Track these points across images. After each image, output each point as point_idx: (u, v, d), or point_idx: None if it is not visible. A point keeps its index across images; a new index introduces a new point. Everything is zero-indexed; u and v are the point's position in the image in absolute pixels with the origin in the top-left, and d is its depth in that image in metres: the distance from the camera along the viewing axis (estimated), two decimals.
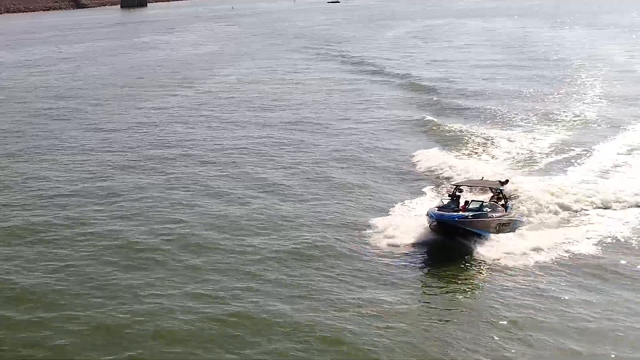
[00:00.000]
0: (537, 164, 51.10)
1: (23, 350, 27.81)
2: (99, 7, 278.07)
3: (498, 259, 34.80)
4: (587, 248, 35.74)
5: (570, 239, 36.75)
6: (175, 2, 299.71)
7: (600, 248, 35.85)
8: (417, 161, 52.34)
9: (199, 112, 71.71)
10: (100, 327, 29.27)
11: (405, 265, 34.56)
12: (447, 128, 61.20)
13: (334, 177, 48.90)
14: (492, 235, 36.59)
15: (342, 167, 51.22)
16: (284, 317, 29.21)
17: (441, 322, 28.96)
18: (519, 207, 41.45)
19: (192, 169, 51.52)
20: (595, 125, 61.03)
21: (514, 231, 38.00)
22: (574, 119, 63.14)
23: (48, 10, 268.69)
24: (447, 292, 32.10)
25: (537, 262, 34.45)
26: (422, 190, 45.82)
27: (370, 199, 44.51)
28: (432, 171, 49.85)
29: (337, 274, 33.40)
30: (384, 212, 41.72)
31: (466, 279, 33.40)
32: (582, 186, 44.07)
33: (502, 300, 30.80)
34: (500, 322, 28.81)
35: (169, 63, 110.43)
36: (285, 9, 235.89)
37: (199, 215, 42.01)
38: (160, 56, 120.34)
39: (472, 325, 28.69)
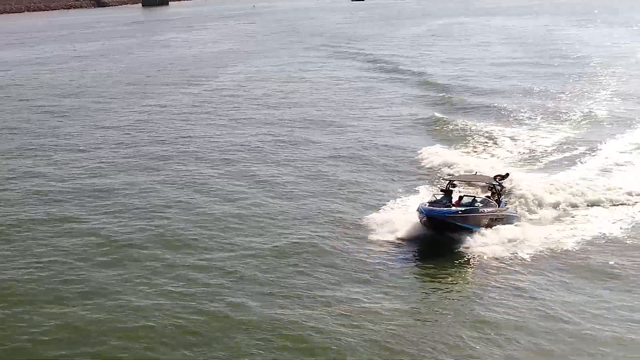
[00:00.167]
0: (540, 161, 50.80)
1: None
2: (120, 6, 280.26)
3: (483, 256, 34.52)
4: (575, 246, 35.33)
5: (560, 236, 36.48)
6: (197, 0, 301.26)
7: (589, 246, 35.38)
8: (420, 158, 51.98)
9: (202, 109, 71.76)
10: (68, 324, 29.14)
11: (386, 262, 34.20)
12: (454, 125, 60.84)
13: (331, 175, 48.64)
14: (483, 231, 36.45)
15: (342, 165, 50.94)
16: (250, 315, 28.96)
17: (411, 321, 28.48)
18: (515, 202, 41.32)
19: (188, 166, 51.45)
20: (605, 123, 60.33)
21: (508, 226, 37.75)
22: (585, 117, 62.45)
23: (69, 8, 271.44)
24: (422, 290, 31.73)
25: (522, 259, 34.11)
26: (420, 186, 45.38)
27: (364, 196, 44.17)
28: (433, 168, 49.52)
29: (313, 271, 33.09)
30: (377, 208, 41.38)
31: (445, 277, 33.02)
32: (581, 183, 43.67)
33: (478, 299, 30.45)
34: (472, 321, 28.38)
35: (181, 61, 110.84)
36: (308, 7, 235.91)
37: (186, 212, 41.91)
38: (173, 54, 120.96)
39: (442, 324, 28.31)
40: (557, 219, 39.65)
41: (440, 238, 36.05)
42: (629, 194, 41.99)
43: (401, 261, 34.59)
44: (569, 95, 72.26)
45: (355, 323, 28.13)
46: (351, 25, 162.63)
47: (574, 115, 63.14)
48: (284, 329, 27.82)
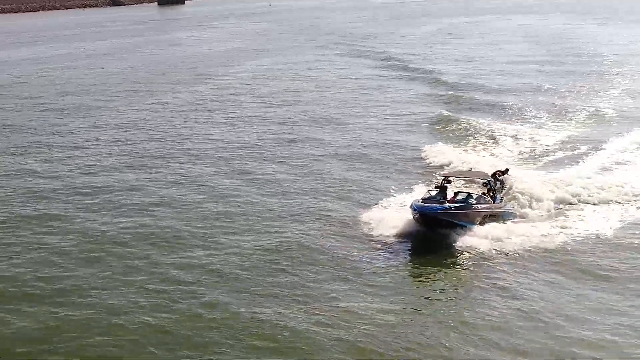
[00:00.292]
0: (542, 158, 50.48)
1: None
2: (136, 5, 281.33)
3: (471, 253, 34.32)
4: (566, 244, 35.00)
5: (552, 234, 36.22)
6: None
7: (579, 245, 34.99)
8: (421, 156, 51.67)
9: (204, 107, 71.60)
10: (39, 322, 29.04)
11: (370, 261, 33.86)
12: (460, 124, 60.48)
13: (327, 173, 48.37)
14: (476, 228, 36.26)
15: (339, 163, 50.64)
16: (223, 314, 28.76)
17: (387, 321, 27.98)
18: (513, 198, 41.10)
19: (182, 164, 51.29)
20: (612, 121, 59.80)
21: (503, 223, 37.69)
22: (591, 115, 61.94)
23: (84, 7, 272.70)
24: (403, 289, 31.19)
25: (510, 256, 33.88)
26: (417, 184, 44.97)
27: (359, 194, 43.85)
28: (434, 166, 49.17)
29: (295, 269, 32.81)
30: (371, 206, 41.15)
31: (428, 275, 32.72)
32: (579, 181, 43.31)
33: (459, 298, 30.24)
34: (450, 321, 28.05)
35: (189, 59, 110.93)
36: (324, 6, 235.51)
37: (175, 210, 41.76)
38: (183, 52, 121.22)
39: (418, 324, 27.91)
40: (552, 216, 39.28)
41: (431, 235, 35.79)
42: (626, 193, 41.56)
43: (385, 259, 34.20)
44: (578, 93, 71.60)
45: (329, 322, 27.80)
46: (367, 23, 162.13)
47: (581, 113, 62.60)
48: (256, 327, 27.56)
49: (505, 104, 67.66)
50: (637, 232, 36.42)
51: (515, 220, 38.74)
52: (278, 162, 51.27)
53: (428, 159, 50.99)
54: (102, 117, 68.26)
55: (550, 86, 75.17)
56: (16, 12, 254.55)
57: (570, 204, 40.77)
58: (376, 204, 41.67)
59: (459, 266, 33.65)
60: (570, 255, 33.90)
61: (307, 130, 60.44)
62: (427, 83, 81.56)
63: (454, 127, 59.98)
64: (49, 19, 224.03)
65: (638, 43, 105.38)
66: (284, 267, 33.19)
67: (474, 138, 56.60)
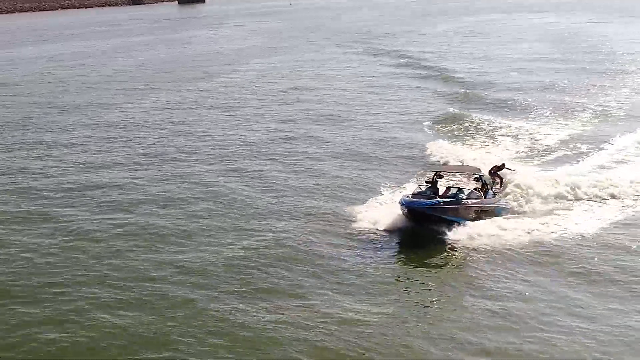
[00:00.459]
0: (545, 155, 50.35)
1: None
2: (156, 3, 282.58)
3: (457, 249, 34.28)
4: (553, 242, 34.70)
5: (541, 231, 35.89)
6: None
7: (566, 244, 34.61)
8: (423, 154, 51.34)
9: (205, 106, 71.24)
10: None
11: (347, 258, 33.49)
12: (468, 121, 60.14)
13: (322, 170, 48.02)
14: (468, 223, 36.10)
15: (336, 160, 50.22)
16: (185, 310, 28.58)
17: (350, 320, 27.55)
18: (508, 194, 41.13)
19: (175, 162, 50.89)
20: (619, 120, 59.40)
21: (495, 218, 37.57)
22: (599, 113, 61.63)
23: (103, 6, 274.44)
24: (373, 287, 30.64)
25: (494, 253, 33.64)
26: (414, 180, 44.60)
27: (351, 191, 43.50)
28: (432, 162, 48.90)
29: (268, 267, 32.46)
30: (361, 202, 40.90)
31: (404, 274, 32.49)
32: (576, 178, 43.04)
33: (433, 297, 30.11)
34: (417, 320, 27.67)
35: (197, 58, 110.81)
36: (345, 5, 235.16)
37: (161, 207, 41.41)
38: (193, 51, 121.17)
39: (382, 324, 27.36)
40: (547, 213, 38.98)
41: (419, 231, 35.72)
42: (623, 192, 41.20)
43: (362, 257, 33.68)
44: (590, 91, 71.14)
45: (291, 320, 27.47)
46: (387, 21, 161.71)
47: (588, 111, 62.27)
48: (215, 325, 27.30)
49: (515, 101, 67.24)
50: (627, 232, 35.91)
51: (509, 216, 38.49)
52: (272, 159, 50.92)
53: (428, 156, 50.67)
54: (100, 115, 68.18)
55: (564, 84, 74.71)
56: (34, 11, 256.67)
57: (567, 200, 40.57)
58: (367, 200, 41.33)
59: (438, 264, 33.32)
60: (555, 254, 33.44)
61: (306, 128, 60.15)
62: (438, 81, 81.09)
63: (460, 125, 59.54)
64: (66, 18, 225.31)
65: None
66: (258, 265, 32.75)
67: (480, 135, 56.31)
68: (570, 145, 51.80)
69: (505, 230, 35.83)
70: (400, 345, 25.87)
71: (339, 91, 77.03)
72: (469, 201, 37.16)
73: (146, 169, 49.65)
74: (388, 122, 61.81)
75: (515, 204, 40.18)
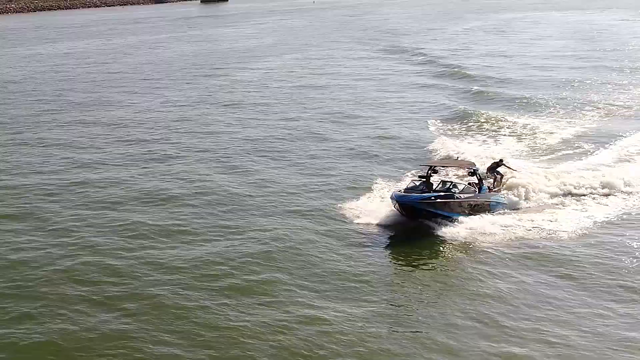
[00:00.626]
0: (545, 152, 49.95)
1: None
2: (178, 2, 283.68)
3: (446, 245, 34.23)
4: (544, 239, 34.40)
5: (535, 227, 35.69)
6: None
7: (555, 241, 34.24)
8: (425, 150, 51.04)
9: (205, 104, 71.23)
10: None
11: (333, 256, 33.20)
12: (478, 117, 59.67)
13: (321, 168, 47.79)
14: (461, 218, 36.13)
15: (335, 158, 49.96)
16: (160, 310, 28.43)
17: (321, 322, 27.10)
18: (507, 189, 40.86)
19: (171, 160, 50.90)
20: (632, 117, 59.18)
21: (491, 213, 37.56)
22: (608, 111, 61.46)
23: (125, 5, 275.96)
24: (350, 286, 30.22)
25: (482, 250, 33.43)
26: (413, 176, 44.09)
27: (348, 188, 43.17)
28: (433, 158, 48.33)
29: (253, 266, 32.14)
30: (356, 198, 40.74)
31: (389, 274, 32.24)
32: (576, 175, 42.82)
33: (408, 296, 29.71)
34: (388, 320, 27.36)
35: (213, 54, 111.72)
36: (371, 2, 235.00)
37: (155, 205, 41.32)
38: (207, 48, 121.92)
39: (356, 323, 26.92)
40: (543, 209, 38.77)
41: (411, 226, 35.73)
42: (625, 188, 40.81)
43: (348, 256, 33.21)
44: (605, 89, 70.56)
45: (264, 321, 27.18)
46: (410, 19, 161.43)
47: (597, 109, 62.13)
48: (185, 324, 27.18)
49: (528, 99, 66.55)
50: (621, 229, 35.60)
51: (505, 211, 38.33)
52: (272, 157, 50.71)
53: (431, 153, 50.38)
54: (101, 114, 68.27)
55: (578, 83, 74.03)
56: (54, 9, 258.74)
57: (567, 196, 40.27)
58: (362, 197, 41.13)
59: (423, 261, 33.11)
60: (543, 252, 33.08)
61: (310, 125, 60.03)
62: (455, 79, 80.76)
63: (467, 122, 59.08)
64: (85, 16, 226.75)
65: None
66: (242, 264, 32.39)
67: (487, 131, 56.07)
68: (577, 142, 51.47)
69: (497, 226, 35.70)
70: (362, 345, 25.50)
71: (350, 89, 76.88)
72: (461, 195, 37.14)
73: (144, 166, 49.62)
74: (396, 120, 61.55)
75: (513, 198, 39.88)
